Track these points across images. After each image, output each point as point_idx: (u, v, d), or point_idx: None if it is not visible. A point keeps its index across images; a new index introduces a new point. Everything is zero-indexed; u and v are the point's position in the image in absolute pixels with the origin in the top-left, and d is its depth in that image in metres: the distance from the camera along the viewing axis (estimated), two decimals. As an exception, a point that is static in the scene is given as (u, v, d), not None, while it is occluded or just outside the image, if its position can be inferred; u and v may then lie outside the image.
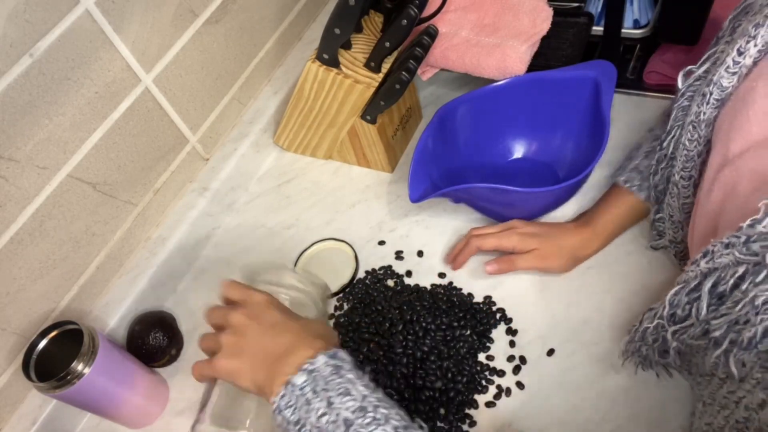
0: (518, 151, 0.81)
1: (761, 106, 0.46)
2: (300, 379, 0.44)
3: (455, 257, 0.73)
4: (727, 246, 0.43)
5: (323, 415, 0.42)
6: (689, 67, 0.57)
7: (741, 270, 0.41)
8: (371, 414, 0.42)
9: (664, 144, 0.60)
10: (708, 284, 0.44)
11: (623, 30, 0.80)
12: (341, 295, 0.76)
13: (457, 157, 0.79)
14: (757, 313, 0.39)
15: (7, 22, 0.57)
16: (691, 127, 0.54)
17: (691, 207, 0.57)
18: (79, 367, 0.60)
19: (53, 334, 0.62)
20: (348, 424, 0.41)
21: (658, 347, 0.51)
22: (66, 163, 0.68)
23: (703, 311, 0.44)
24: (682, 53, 0.82)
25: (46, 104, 0.63)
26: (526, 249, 0.68)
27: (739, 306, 0.40)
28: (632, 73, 0.85)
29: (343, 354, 0.46)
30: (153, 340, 0.72)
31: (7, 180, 0.62)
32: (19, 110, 0.61)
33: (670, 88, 0.82)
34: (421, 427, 0.45)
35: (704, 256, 0.44)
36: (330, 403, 0.42)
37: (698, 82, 0.56)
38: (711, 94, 0.52)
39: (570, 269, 0.69)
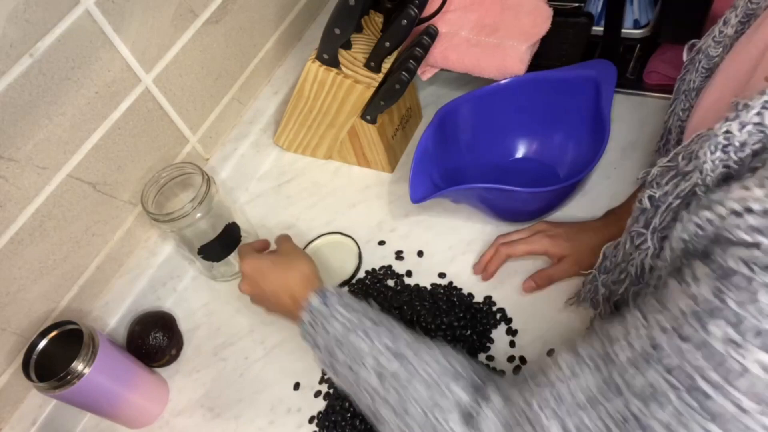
0: (519, 151, 0.81)
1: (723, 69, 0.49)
2: (306, 317, 0.56)
3: (485, 266, 0.72)
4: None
5: (324, 338, 0.54)
6: (693, 40, 0.58)
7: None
8: (353, 332, 0.53)
9: (666, 116, 0.61)
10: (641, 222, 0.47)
11: (623, 30, 0.80)
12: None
13: (458, 158, 0.79)
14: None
15: (7, 22, 0.57)
16: (683, 95, 0.55)
17: None
18: (79, 367, 0.60)
19: (53, 334, 0.62)
20: (339, 342, 0.53)
21: (589, 296, 0.56)
22: (66, 163, 0.68)
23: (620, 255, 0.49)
24: (681, 53, 0.82)
25: (46, 104, 0.63)
26: (558, 253, 0.68)
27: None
28: (632, 73, 0.85)
29: (330, 290, 0.57)
30: (153, 340, 0.72)
31: (7, 180, 0.62)
32: (19, 110, 0.61)
33: (670, 88, 0.82)
34: (390, 331, 0.53)
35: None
36: (325, 330, 0.54)
37: (699, 56, 0.57)
38: (700, 62, 0.53)
39: None
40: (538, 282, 0.68)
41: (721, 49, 0.51)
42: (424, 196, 0.71)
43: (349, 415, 0.65)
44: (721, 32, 0.51)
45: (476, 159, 0.80)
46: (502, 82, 0.76)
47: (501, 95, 0.77)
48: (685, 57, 0.58)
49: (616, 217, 0.69)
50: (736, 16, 0.50)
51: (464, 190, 0.70)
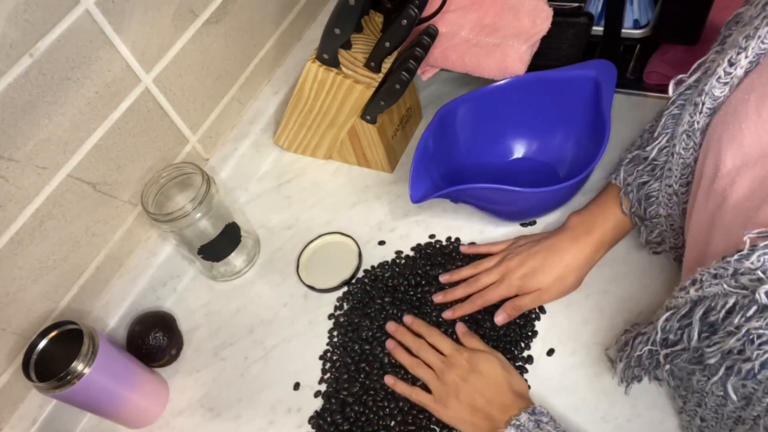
0: (519, 150, 0.81)
1: (753, 121, 0.47)
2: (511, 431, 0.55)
3: (454, 308, 0.70)
4: (714, 276, 0.43)
5: None
6: (680, 76, 0.58)
7: (731, 301, 0.42)
8: None
9: (648, 149, 0.61)
10: (699, 312, 0.45)
11: (623, 30, 0.80)
12: (341, 294, 0.76)
13: (458, 157, 0.79)
14: (752, 348, 0.40)
15: (7, 22, 0.57)
16: (685, 136, 0.55)
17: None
18: (79, 367, 0.60)
19: (53, 334, 0.62)
20: None
21: (651, 368, 0.52)
22: (66, 163, 0.68)
23: (695, 339, 0.45)
24: (682, 53, 0.82)
25: (46, 104, 0.63)
26: (530, 289, 0.67)
27: (733, 339, 0.41)
28: (632, 73, 0.85)
29: (540, 409, 0.57)
30: (153, 340, 0.72)
31: (7, 180, 0.62)
32: (19, 110, 0.61)
33: (669, 88, 0.82)
34: None
35: (693, 283, 0.45)
36: None
37: (689, 91, 0.57)
38: (704, 104, 0.52)
39: (578, 286, 0.68)
40: (510, 313, 0.67)
41: (727, 90, 0.51)
42: (424, 197, 0.71)
43: (339, 418, 0.65)
44: (727, 73, 0.50)
45: (476, 159, 0.80)
46: (502, 82, 0.76)
47: (501, 95, 0.77)
48: (671, 92, 0.58)
49: (583, 229, 0.68)
50: (746, 57, 0.49)
51: (464, 190, 0.70)
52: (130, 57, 0.71)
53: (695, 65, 0.56)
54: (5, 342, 0.66)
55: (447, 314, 0.69)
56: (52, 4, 0.61)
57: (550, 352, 0.65)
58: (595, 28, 0.81)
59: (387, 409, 0.65)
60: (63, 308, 0.72)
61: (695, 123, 0.53)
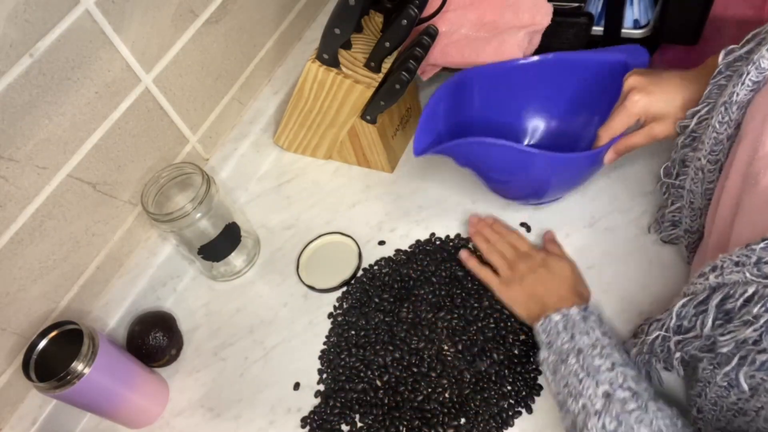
0: (536, 130, 0.79)
1: None
2: (556, 317, 0.58)
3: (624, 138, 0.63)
4: (737, 264, 0.42)
5: (565, 342, 0.56)
6: (732, 46, 0.53)
7: (751, 290, 0.41)
8: (598, 350, 0.54)
9: (688, 114, 0.57)
10: (716, 299, 0.44)
11: (623, 30, 0.79)
12: (340, 293, 0.76)
13: (470, 127, 0.76)
14: None
15: (7, 22, 0.57)
16: (723, 108, 0.51)
17: (713, 193, 0.55)
18: (79, 367, 0.60)
19: (53, 334, 0.62)
20: (580, 351, 0.55)
21: (663, 357, 0.51)
22: (66, 163, 0.68)
23: (708, 326, 0.45)
24: (682, 53, 0.82)
25: (46, 104, 0.63)
26: (654, 114, 0.60)
27: (750, 330, 0.41)
28: (632, 73, 0.85)
29: (592, 309, 0.60)
30: (153, 340, 0.72)
31: (7, 180, 0.62)
32: (19, 110, 0.61)
33: (670, 88, 0.82)
34: (638, 374, 0.53)
35: (713, 270, 0.44)
36: (572, 336, 0.56)
37: (739, 63, 0.52)
38: (748, 74, 0.48)
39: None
40: (618, 152, 0.64)
41: None
42: (428, 148, 0.68)
43: (334, 418, 0.65)
44: None
45: (491, 132, 0.76)
46: (531, 59, 0.73)
47: (526, 71, 0.74)
48: (720, 61, 0.54)
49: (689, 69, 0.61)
50: None
51: (472, 147, 0.66)
52: (130, 57, 0.71)
53: (749, 35, 0.52)
54: (5, 342, 0.66)
55: (608, 157, 0.65)
56: (52, 4, 0.61)
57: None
58: (595, 28, 0.81)
59: (385, 408, 0.65)
60: (63, 308, 0.72)
61: (734, 95, 0.49)
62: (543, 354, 0.58)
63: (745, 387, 0.43)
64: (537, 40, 0.77)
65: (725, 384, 0.47)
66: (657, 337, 0.50)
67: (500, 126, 0.79)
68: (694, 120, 0.56)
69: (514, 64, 0.75)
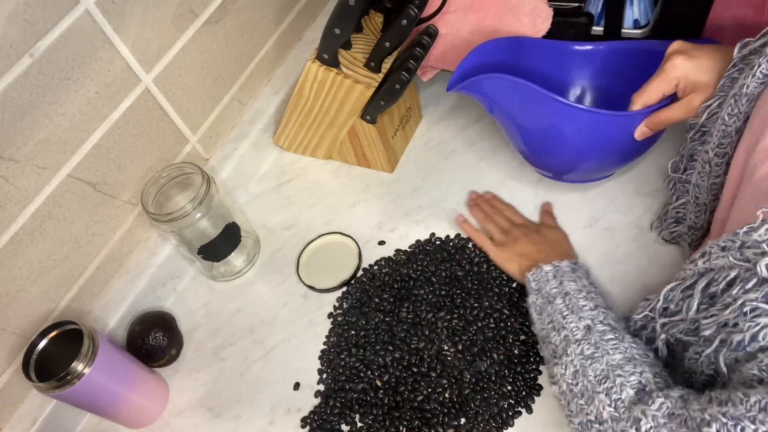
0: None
1: None
2: (547, 267, 0.62)
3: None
4: (723, 249, 0.43)
5: (553, 288, 0.60)
6: (747, 39, 0.53)
7: (733, 274, 0.42)
8: (584, 294, 0.58)
9: (700, 110, 0.56)
10: (702, 284, 0.45)
11: (623, 30, 0.79)
12: (340, 293, 0.76)
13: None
14: (745, 319, 0.40)
15: (7, 22, 0.57)
16: (732, 100, 0.50)
17: (720, 189, 0.55)
18: (79, 367, 0.60)
19: (53, 334, 0.62)
20: (566, 294, 0.58)
21: (646, 335, 0.53)
22: (66, 163, 0.68)
23: (693, 309, 0.46)
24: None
25: (46, 104, 0.63)
26: (693, 82, 0.57)
27: (728, 310, 0.42)
28: (632, 73, 0.85)
29: (581, 264, 0.64)
30: (153, 340, 0.72)
31: (7, 180, 0.62)
32: (19, 110, 0.61)
33: (670, 88, 0.82)
34: (619, 318, 0.56)
35: (702, 256, 0.45)
36: (561, 283, 0.60)
37: (753, 56, 0.51)
38: (759, 66, 0.48)
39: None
40: (651, 126, 0.61)
41: None
42: (463, 79, 0.66)
43: (334, 418, 0.65)
44: None
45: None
46: (595, 46, 0.72)
47: (585, 57, 0.74)
48: (735, 54, 0.53)
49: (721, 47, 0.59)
50: None
51: (505, 88, 0.63)
52: (130, 57, 0.71)
53: (765, 30, 0.51)
54: (5, 342, 0.66)
55: (640, 131, 0.62)
56: (52, 4, 0.61)
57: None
58: (595, 28, 0.81)
59: (385, 408, 0.65)
60: (63, 308, 0.72)
61: (744, 87, 0.49)
62: (531, 298, 0.61)
63: (724, 370, 0.43)
64: None
65: (711, 372, 0.47)
66: (644, 317, 0.53)
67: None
68: (705, 114, 0.55)
69: (578, 47, 0.74)
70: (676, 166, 0.63)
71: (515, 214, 0.76)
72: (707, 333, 0.44)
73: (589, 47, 0.74)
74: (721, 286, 0.43)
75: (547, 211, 0.76)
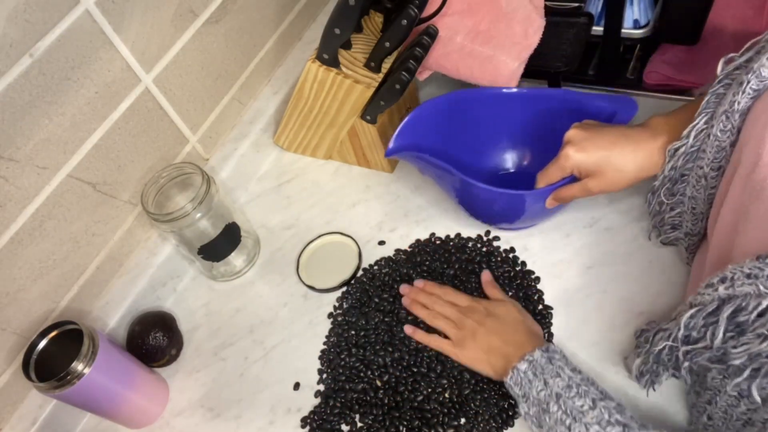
0: (512, 163, 0.80)
1: None
2: (523, 366, 0.57)
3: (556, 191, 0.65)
4: (749, 276, 0.42)
5: (540, 390, 0.55)
6: (731, 54, 0.53)
7: (765, 303, 0.41)
8: (575, 390, 0.54)
9: (684, 133, 0.56)
10: (727, 311, 0.44)
11: (623, 30, 0.80)
12: (340, 293, 0.76)
13: (452, 145, 0.76)
14: None
15: (7, 22, 0.57)
16: (724, 117, 0.51)
17: (715, 197, 0.55)
18: (79, 367, 0.60)
19: (53, 334, 0.62)
20: (558, 396, 0.54)
21: (671, 365, 0.51)
22: (66, 163, 0.68)
23: (719, 338, 0.44)
24: (682, 53, 0.82)
25: (46, 104, 0.63)
26: (586, 170, 0.61)
27: (766, 344, 0.41)
28: (632, 73, 0.85)
29: (554, 347, 0.59)
30: (153, 340, 0.72)
31: (7, 180, 0.62)
32: (19, 110, 0.61)
33: (670, 88, 0.82)
34: (619, 405, 0.53)
35: (722, 281, 0.44)
36: (545, 382, 0.55)
37: (738, 71, 0.52)
38: (749, 82, 0.48)
39: (631, 185, 0.62)
40: (556, 200, 0.65)
41: None
42: (400, 150, 0.70)
43: (334, 418, 0.65)
44: None
45: (471, 154, 0.78)
46: (525, 89, 0.74)
47: (517, 102, 0.75)
48: (719, 71, 0.54)
49: (667, 130, 0.60)
50: None
51: (425, 164, 0.68)
52: (130, 57, 0.71)
53: (748, 44, 0.52)
54: (5, 342, 0.66)
55: (549, 202, 0.66)
56: (52, 4, 0.61)
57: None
58: (595, 28, 0.81)
59: (385, 408, 0.65)
60: (63, 308, 0.72)
61: (736, 103, 0.50)
62: (523, 408, 0.57)
63: (758, 399, 0.43)
64: (528, 56, 0.76)
65: (735, 394, 0.47)
66: (664, 347, 0.50)
67: (485, 150, 0.79)
68: (693, 134, 0.56)
69: (511, 93, 0.75)
70: (655, 200, 0.63)
71: (457, 296, 0.69)
72: (737, 362, 0.43)
73: (514, 90, 0.75)
74: (752, 315, 0.42)
75: (488, 281, 0.71)
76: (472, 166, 0.78)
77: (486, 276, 0.71)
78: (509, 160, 0.80)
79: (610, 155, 0.60)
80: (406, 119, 0.72)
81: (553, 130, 0.70)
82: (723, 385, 0.48)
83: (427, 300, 0.70)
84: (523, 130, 0.77)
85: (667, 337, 0.50)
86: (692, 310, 0.47)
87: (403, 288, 0.72)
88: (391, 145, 0.71)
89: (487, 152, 0.80)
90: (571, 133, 0.62)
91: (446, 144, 0.76)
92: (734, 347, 0.43)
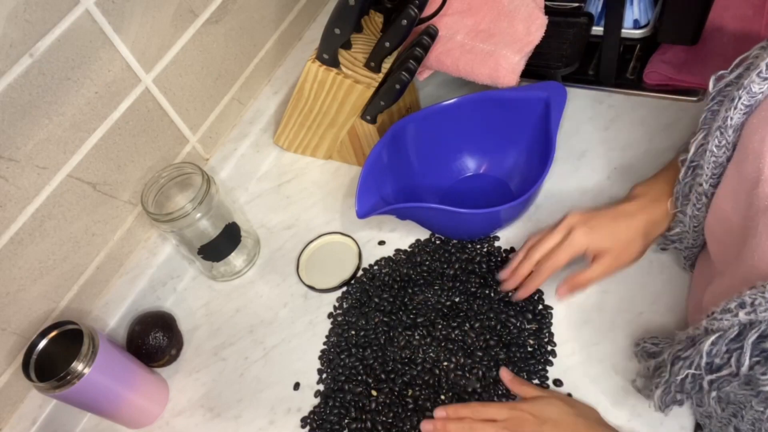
0: (472, 167, 0.81)
1: None
2: None
3: (518, 278, 0.66)
4: None
5: None
6: (721, 72, 0.55)
7: None
8: None
9: (690, 147, 0.57)
10: (752, 338, 0.43)
11: (623, 30, 0.80)
12: (340, 293, 0.76)
13: (411, 174, 0.78)
14: None
15: (7, 22, 0.57)
16: (718, 132, 0.52)
17: None
18: (79, 367, 0.60)
19: (53, 334, 0.62)
20: None
21: (694, 394, 0.50)
22: (66, 163, 0.68)
23: (746, 365, 0.44)
24: (682, 53, 0.82)
25: (46, 104, 0.63)
26: (596, 250, 0.63)
27: None
28: (632, 73, 0.85)
29: None
30: (153, 340, 0.72)
31: (7, 180, 0.62)
32: (19, 110, 0.61)
33: (670, 88, 0.82)
34: None
35: (741, 306, 0.43)
36: None
37: (729, 87, 0.54)
38: (740, 98, 0.50)
39: (643, 254, 0.65)
40: (571, 289, 0.64)
41: (766, 87, 0.48)
42: (371, 211, 0.70)
43: (334, 418, 0.65)
44: None
45: (429, 176, 0.80)
46: (453, 100, 0.76)
47: (453, 113, 0.77)
48: (711, 88, 0.55)
49: (650, 198, 0.64)
50: None
51: (410, 209, 0.70)
52: (130, 57, 0.71)
53: (737, 60, 0.53)
54: (5, 342, 0.66)
55: (520, 293, 0.66)
56: (52, 4, 0.61)
57: (551, 353, 0.65)
58: (595, 28, 0.81)
59: (385, 408, 0.65)
60: (63, 308, 0.72)
61: (728, 119, 0.51)
62: None
63: None
64: (530, 52, 0.77)
65: (762, 408, 0.46)
66: (686, 376, 0.49)
67: (441, 166, 0.81)
68: (693, 148, 0.57)
69: (442, 106, 0.77)
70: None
71: (489, 409, 0.60)
72: (767, 389, 0.42)
73: (455, 101, 0.76)
74: None
75: (510, 380, 0.62)
76: (438, 184, 0.80)
77: (506, 374, 0.63)
78: (470, 162, 0.81)
79: (615, 231, 0.63)
80: (359, 180, 0.71)
81: (500, 125, 0.76)
82: (748, 400, 0.47)
83: (461, 427, 0.59)
84: (473, 133, 0.79)
85: (689, 365, 0.48)
86: (713, 337, 0.46)
87: (425, 425, 0.60)
88: (357, 208, 0.70)
89: (447, 164, 0.81)
90: (573, 218, 0.64)
91: (406, 178, 0.78)
92: (763, 374, 0.42)
